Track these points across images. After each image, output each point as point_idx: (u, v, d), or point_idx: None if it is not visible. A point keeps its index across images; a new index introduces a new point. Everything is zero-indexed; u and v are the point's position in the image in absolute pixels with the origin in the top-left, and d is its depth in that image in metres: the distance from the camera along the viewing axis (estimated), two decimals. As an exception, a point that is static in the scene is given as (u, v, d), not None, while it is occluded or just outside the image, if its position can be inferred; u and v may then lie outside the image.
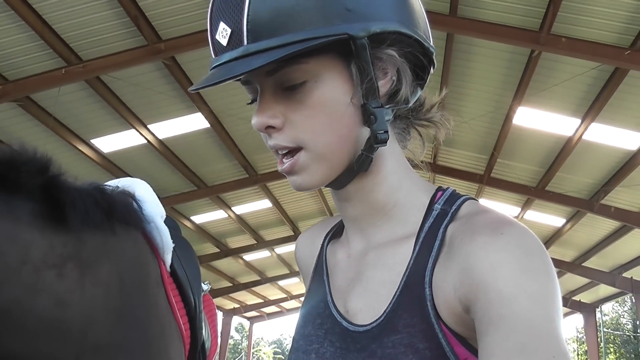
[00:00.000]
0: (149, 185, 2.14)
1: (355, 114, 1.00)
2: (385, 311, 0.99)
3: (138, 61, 9.56)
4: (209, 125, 12.15)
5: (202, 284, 2.48)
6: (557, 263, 18.47)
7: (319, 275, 1.22)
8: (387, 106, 1.03)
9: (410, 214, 1.07)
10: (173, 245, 2.00)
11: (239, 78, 0.98)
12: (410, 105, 1.08)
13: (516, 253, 0.86)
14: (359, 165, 1.03)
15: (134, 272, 1.75)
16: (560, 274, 20.24)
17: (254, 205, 17.52)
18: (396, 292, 0.99)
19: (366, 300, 1.05)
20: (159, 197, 2.09)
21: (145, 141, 12.23)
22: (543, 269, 0.86)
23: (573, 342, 47.66)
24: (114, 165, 13.02)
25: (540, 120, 11.26)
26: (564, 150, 11.96)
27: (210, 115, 11.74)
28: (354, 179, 1.07)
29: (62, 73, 9.32)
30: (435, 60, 1.11)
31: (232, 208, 17.29)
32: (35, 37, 8.70)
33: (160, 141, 12.48)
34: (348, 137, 1.01)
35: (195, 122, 12.03)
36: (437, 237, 1.00)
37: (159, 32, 9.28)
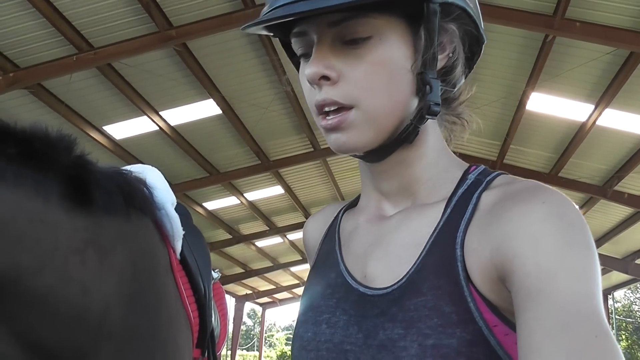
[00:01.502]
0: (160, 172, 2.13)
1: (411, 81, 0.99)
2: (408, 272, 0.95)
3: (149, 48, 9.53)
4: (220, 112, 12.11)
5: (212, 272, 2.47)
6: (570, 250, 18.38)
7: (330, 247, 1.19)
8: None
9: (443, 186, 1.05)
10: (183, 232, 1.99)
11: (289, 30, 0.97)
12: (455, 90, 1.09)
13: (558, 224, 0.83)
14: (406, 135, 1.02)
15: (145, 260, 1.75)
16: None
17: (266, 192, 17.52)
18: (421, 253, 0.96)
19: (386, 264, 1.01)
20: (171, 184, 2.09)
21: (157, 128, 12.23)
22: (584, 242, 0.83)
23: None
24: (126, 152, 13.05)
25: (553, 105, 11.16)
26: (577, 136, 11.86)
27: (222, 101, 11.71)
28: (396, 151, 1.05)
29: (73, 60, 9.31)
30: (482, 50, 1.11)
31: (244, 194, 17.29)
32: (46, 24, 8.69)
33: (172, 128, 12.47)
34: (401, 103, 0.99)
35: (207, 108, 12.00)
36: (470, 201, 0.97)
37: (170, 19, 9.25)
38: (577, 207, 0.88)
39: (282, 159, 15.19)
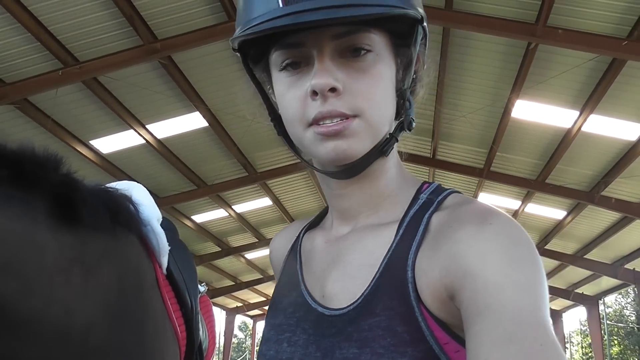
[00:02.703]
0: (145, 189, 2.14)
1: (394, 98, 1.04)
2: (363, 294, 0.98)
3: (134, 61, 9.56)
4: (207, 124, 12.16)
5: (199, 286, 2.48)
6: (559, 256, 18.48)
7: (292, 265, 1.21)
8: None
9: (398, 205, 1.08)
10: (169, 247, 2.00)
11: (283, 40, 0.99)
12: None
13: (504, 243, 0.87)
14: (387, 148, 1.05)
15: (131, 276, 1.75)
16: (562, 267, 20.21)
17: (254, 204, 17.55)
18: (375, 274, 0.99)
19: (343, 284, 1.04)
20: (158, 197, 2.11)
21: (144, 141, 12.23)
22: (530, 259, 0.86)
23: (577, 334, 47.64)
24: (113, 166, 13.01)
25: (538, 112, 11.24)
26: (563, 143, 11.93)
27: (208, 114, 11.74)
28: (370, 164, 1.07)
29: (59, 75, 9.32)
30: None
31: (233, 207, 17.30)
32: (31, 39, 8.70)
33: (159, 141, 12.48)
34: (390, 117, 1.04)
35: (194, 121, 12.03)
36: (421, 222, 1.00)
37: (154, 32, 9.28)
38: (522, 227, 0.91)
39: (269, 170, 15.23)
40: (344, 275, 1.05)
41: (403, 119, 1.06)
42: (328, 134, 0.97)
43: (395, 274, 0.96)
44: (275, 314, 1.14)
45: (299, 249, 1.23)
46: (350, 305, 0.99)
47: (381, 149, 1.05)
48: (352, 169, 1.05)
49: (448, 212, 0.99)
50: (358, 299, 0.98)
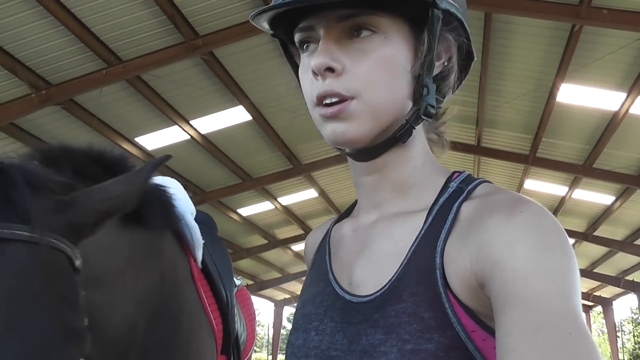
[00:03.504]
0: (179, 184, 2.16)
1: (409, 83, 1.03)
2: (390, 280, 0.98)
3: (177, 58, 9.66)
4: (251, 118, 12.21)
5: (235, 279, 2.49)
6: (608, 242, 18.05)
7: (321, 256, 1.22)
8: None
9: (426, 193, 1.08)
10: (203, 241, 2.02)
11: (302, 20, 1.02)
12: (445, 101, 1.13)
13: (534, 231, 0.86)
14: (401, 135, 1.05)
15: (168, 272, 1.78)
16: (611, 254, 19.74)
17: (299, 196, 17.60)
18: (403, 261, 0.99)
19: (370, 271, 1.05)
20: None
21: (189, 137, 12.37)
22: (560, 247, 0.85)
23: (628, 323, 46.71)
24: (159, 162, 13.12)
25: (584, 96, 10.99)
26: (610, 126, 11.64)
27: (252, 107, 11.79)
28: (387, 151, 1.08)
29: (103, 74, 9.48)
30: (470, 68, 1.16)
31: (278, 199, 17.39)
32: (75, 40, 8.84)
33: (203, 136, 12.61)
34: (399, 101, 1.03)
35: (237, 115, 12.11)
36: (451, 211, 1.00)
37: (195, 28, 9.35)
38: (553, 216, 0.90)
39: (314, 162, 15.25)
40: (371, 263, 1.06)
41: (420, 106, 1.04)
42: (326, 115, 1.01)
43: (423, 260, 0.96)
44: (304, 304, 1.15)
45: (328, 240, 1.24)
46: (376, 292, 0.99)
47: (395, 136, 1.05)
48: (366, 152, 1.07)
49: (478, 201, 0.98)
50: (384, 285, 0.98)
